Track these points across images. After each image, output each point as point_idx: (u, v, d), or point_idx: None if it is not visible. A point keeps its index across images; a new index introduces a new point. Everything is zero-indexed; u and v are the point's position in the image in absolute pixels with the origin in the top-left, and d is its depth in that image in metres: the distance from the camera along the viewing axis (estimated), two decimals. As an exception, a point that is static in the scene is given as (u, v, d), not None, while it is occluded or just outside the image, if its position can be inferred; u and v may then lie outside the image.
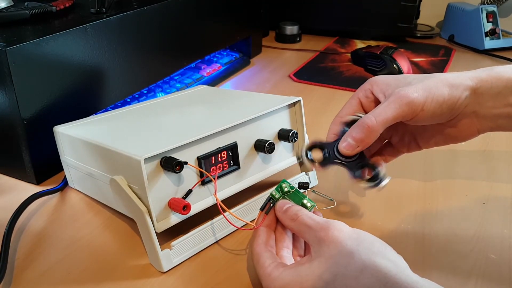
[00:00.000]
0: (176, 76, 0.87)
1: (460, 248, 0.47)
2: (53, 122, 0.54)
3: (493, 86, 0.43)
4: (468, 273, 0.44)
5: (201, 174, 0.46)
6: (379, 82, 0.46)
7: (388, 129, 0.43)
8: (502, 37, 1.11)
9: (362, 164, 0.45)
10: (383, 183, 0.45)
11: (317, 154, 0.47)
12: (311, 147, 0.47)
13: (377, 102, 0.47)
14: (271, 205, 0.45)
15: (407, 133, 0.50)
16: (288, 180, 0.47)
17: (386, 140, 0.51)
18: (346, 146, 0.44)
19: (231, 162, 0.49)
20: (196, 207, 0.46)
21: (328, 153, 0.46)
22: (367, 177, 0.46)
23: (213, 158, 0.47)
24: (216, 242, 0.48)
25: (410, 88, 0.42)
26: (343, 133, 0.46)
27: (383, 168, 0.46)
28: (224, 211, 0.44)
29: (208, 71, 0.91)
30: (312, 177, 0.57)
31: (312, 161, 0.47)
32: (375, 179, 0.45)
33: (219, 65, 0.94)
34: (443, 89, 0.42)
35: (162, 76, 0.78)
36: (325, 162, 0.46)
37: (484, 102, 0.43)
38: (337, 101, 0.82)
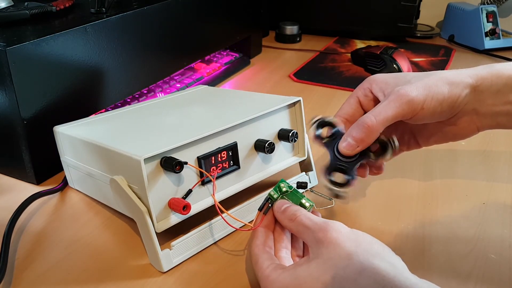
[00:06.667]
0: (176, 76, 0.87)
1: (460, 248, 0.47)
2: (53, 122, 0.55)
3: (493, 84, 0.43)
4: (468, 273, 0.44)
5: (201, 174, 0.46)
6: (378, 81, 0.46)
7: (388, 128, 0.43)
8: (502, 37, 1.11)
9: (377, 141, 0.44)
10: (395, 145, 0.44)
11: (325, 132, 0.46)
12: (322, 125, 0.47)
13: (376, 100, 0.47)
14: (270, 205, 0.45)
15: (407, 132, 0.50)
16: (288, 180, 0.47)
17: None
18: (346, 146, 0.44)
19: (231, 162, 0.49)
20: (196, 207, 0.45)
21: (336, 135, 0.45)
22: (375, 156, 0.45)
23: (213, 158, 0.47)
24: (216, 242, 0.48)
25: (409, 86, 0.42)
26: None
27: (395, 139, 0.45)
28: (222, 212, 0.44)
29: (208, 71, 0.91)
30: (312, 177, 0.57)
31: (318, 137, 0.46)
32: (385, 151, 0.44)
33: (219, 65, 0.94)
34: (443, 87, 0.42)
35: (162, 76, 0.79)
36: (330, 142, 0.46)
37: (484, 100, 0.43)
38: (337, 101, 0.82)
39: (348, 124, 0.47)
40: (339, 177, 0.46)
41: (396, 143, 0.44)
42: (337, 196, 0.45)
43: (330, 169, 0.46)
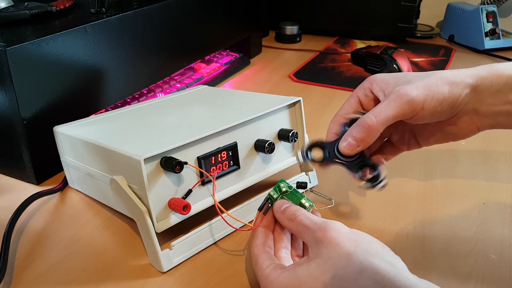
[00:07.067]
0: (176, 76, 0.87)
1: (460, 248, 0.47)
2: (53, 122, 0.55)
3: (493, 84, 0.43)
4: (468, 273, 0.44)
5: (201, 174, 0.46)
6: (379, 81, 0.46)
7: (388, 128, 0.43)
8: (502, 37, 1.11)
9: (363, 164, 0.45)
10: (383, 183, 0.45)
11: (317, 154, 0.47)
12: (311, 147, 0.47)
13: (376, 100, 0.47)
14: (269, 205, 0.45)
15: (407, 131, 0.50)
16: (288, 180, 0.47)
17: (386, 138, 0.51)
18: (347, 145, 0.44)
19: (231, 162, 0.49)
20: (196, 207, 0.45)
21: (328, 153, 0.46)
22: (368, 176, 0.45)
23: (213, 158, 0.47)
24: (216, 242, 0.48)
25: (410, 86, 0.42)
26: (343, 132, 0.45)
27: (384, 169, 0.46)
28: (222, 212, 0.44)
29: (208, 71, 0.91)
30: (312, 177, 0.57)
31: (312, 160, 0.46)
32: (375, 180, 0.45)
33: (219, 65, 0.94)
34: (443, 87, 0.42)
35: (162, 76, 0.78)
36: (325, 162, 0.46)
37: (484, 100, 0.43)
38: (337, 101, 0.82)
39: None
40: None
41: (383, 182, 0.45)
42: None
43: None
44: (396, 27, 1.15)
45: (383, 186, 0.45)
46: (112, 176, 0.44)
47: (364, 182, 0.45)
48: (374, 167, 0.45)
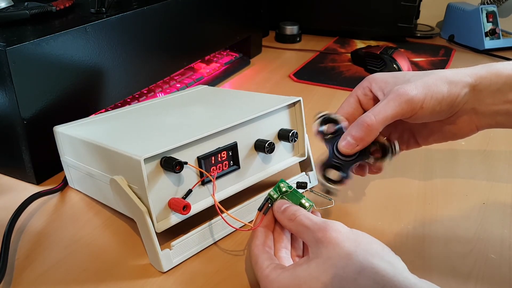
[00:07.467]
0: (176, 76, 0.87)
1: (460, 248, 0.47)
2: (53, 122, 0.55)
3: (492, 83, 0.43)
4: (468, 273, 0.44)
5: (201, 174, 0.46)
6: (378, 80, 0.46)
7: (387, 127, 0.43)
8: (502, 37, 1.11)
9: (374, 143, 0.44)
10: (396, 150, 0.45)
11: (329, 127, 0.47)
12: (326, 121, 0.47)
13: (375, 100, 0.47)
14: (269, 205, 0.45)
15: (406, 131, 0.50)
16: (288, 180, 0.47)
17: (385, 138, 0.51)
18: (346, 145, 0.44)
19: (231, 162, 0.49)
20: (196, 207, 0.45)
21: (338, 132, 0.46)
22: (376, 158, 0.45)
23: (213, 158, 0.47)
24: (216, 242, 0.48)
25: (409, 85, 0.42)
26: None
27: (396, 144, 0.45)
28: (222, 212, 0.44)
29: (208, 71, 0.91)
30: (311, 177, 0.57)
31: (321, 132, 0.46)
32: (385, 155, 0.45)
33: (219, 65, 0.95)
34: (442, 87, 0.42)
35: (162, 76, 0.79)
36: (331, 139, 0.46)
37: (483, 99, 0.43)
38: (337, 101, 0.82)
39: (348, 123, 0.47)
40: (334, 174, 0.46)
41: (397, 147, 0.44)
42: (328, 192, 0.46)
43: (326, 165, 0.46)
44: (396, 27, 1.15)
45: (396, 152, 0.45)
46: (112, 176, 0.44)
47: (376, 160, 0.45)
48: (383, 147, 0.45)
